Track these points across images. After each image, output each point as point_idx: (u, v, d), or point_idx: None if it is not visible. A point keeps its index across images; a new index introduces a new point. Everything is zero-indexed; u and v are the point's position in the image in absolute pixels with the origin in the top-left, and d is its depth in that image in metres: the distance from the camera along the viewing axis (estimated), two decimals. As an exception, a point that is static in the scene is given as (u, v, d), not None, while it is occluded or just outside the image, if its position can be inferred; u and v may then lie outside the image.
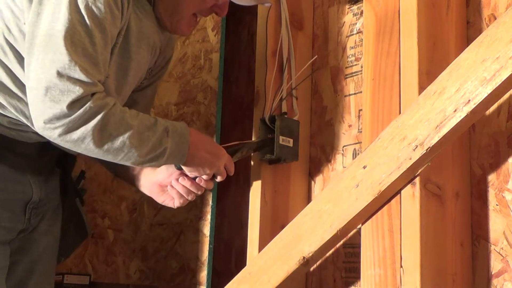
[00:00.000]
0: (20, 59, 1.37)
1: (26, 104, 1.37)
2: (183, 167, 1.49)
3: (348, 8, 1.78)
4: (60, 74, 1.26)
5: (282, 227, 1.55)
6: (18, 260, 1.49)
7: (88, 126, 1.29)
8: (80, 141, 1.30)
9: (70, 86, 1.26)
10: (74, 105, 1.27)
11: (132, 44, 1.46)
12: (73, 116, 1.27)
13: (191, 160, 1.45)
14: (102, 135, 1.30)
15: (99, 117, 1.29)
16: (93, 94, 1.30)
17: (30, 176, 1.47)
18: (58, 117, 1.27)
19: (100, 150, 1.32)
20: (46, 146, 1.47)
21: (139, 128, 1.35)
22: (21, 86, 1.37)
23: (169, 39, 1.67)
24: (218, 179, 1.54)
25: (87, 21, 1.30)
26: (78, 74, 1.27)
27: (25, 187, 1.46)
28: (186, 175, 1.52)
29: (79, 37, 1.29)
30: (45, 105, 1.26)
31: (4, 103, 1.38)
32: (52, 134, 1.29)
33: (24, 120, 1.39)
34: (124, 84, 1.50)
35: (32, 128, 1.40)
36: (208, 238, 1.98)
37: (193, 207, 2.12)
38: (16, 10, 1.36)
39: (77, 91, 1.27)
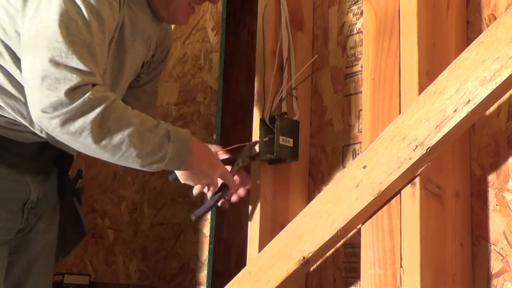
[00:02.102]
0: (16, 59, 1.36)
1: (24, 104, 1.37)
2: (178, 172, 1.48)
3: (348, 8, 1.78)
4: (56, 62, 1.24)
5: (282, 227, 1.54)
6: (16, 259, 1.49)
7: (87, 118, 1.25)
8: (78, 134, 1.26)
9: (67, 74, 1.24)
10: (72, 93, 1.24)
11: (126, 37, 1.45)
12: (72, 106, 1.24)
13: (189, 169, 1.44)
14: (101, 130, 1.27)
15: (99, 110, 1.26)
16: (93, 86, 1.27)
17: (28, 176, 1.47)
18: (55, 106, 1.23)
19: (98, 145, 1.28)
20: (44, 146, 1.46)
21: (140, 128, 1.32)
22: (18, 86, 1.37)
23: (166, 31, 1.68)
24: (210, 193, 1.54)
25: (84, 12, 1.28)
26: (75, 63, 1.25)
27: (23, 187, 1.46)
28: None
29: (75, 26, 1.27)
30: (42, 94, 1.23)
31: (1, 103, 1.37)
32: (49, 124, 1.26)
33: (22, 120, 1.39)
34: (120, 79, 1.49)
35: (30, 128, 1.40)
36: (208, 238, 1.99)
37: (193, 207, 2.12)
38: (11, 10, 1.35)
39: (74, 79, 1.24)
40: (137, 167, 1.37)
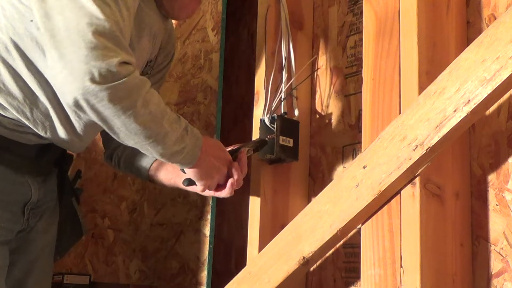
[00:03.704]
0: (24, 58, 1.35)
1: (27, 105, 1.36)
2: (191, 173, 1.46)
3: (348, 8, 1.78)
4: (102, 35, 1.19)
5: (282, 227, 1.55)
6: (16, 260, 1.49)
7: (134, 97, 1.21)
8: (123, 111, 1.21)
9: (114, 47, 1.19)
10: (122, 67, 1.19)
11: (133, 34, 1.44)
12: (121, 81, 1.19)
13: (198, 165, 1.42)
14: (144, 111, 1.24)
15: (144, 91, 1.24)
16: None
17: (29, 177, 1.46)
18: (105, 75, 1.17)
19: (138, 126, 1.24)
20: (45, 148, 1.46)
21: (170, 117, 1.31)
22: (23, 86, 1.36)
23: (170, 35, 1.67)
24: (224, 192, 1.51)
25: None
26: (119, 40, 1.21)
27: (23, 188, 1.46)
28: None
29: (109, 10, 1.23)
30: (89, 65, 1.16)
31: (5, 104, 1.37)
32: (95, 97, 1.17)
33: (25, 121, 1.38)
34: None
35: (34, 129, 1.40)
36: (208, 238, 1.99)
37: (193, 207, 2.12)
38: (21, 7, 1.34)
39: (123, 54, 1.20)
40: (160, 156, 1.34)
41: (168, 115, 1.31)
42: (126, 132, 1.27)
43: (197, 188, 1.50)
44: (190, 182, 1.49)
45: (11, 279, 1.48)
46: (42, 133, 1.41)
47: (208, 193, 1.52)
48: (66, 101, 1.21)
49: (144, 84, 1.26)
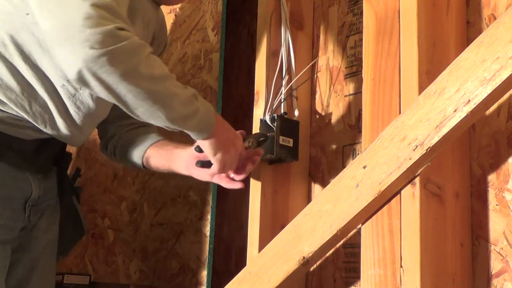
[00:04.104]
0: (20, 52, 1.35)
1: (26, 98, 1.37)
2: (207, 146, 1.43)
3: (348, 8, 1.78)
4: (99, 6, 1.19)
5: (282, 227, 1.55)
6: (19, 258, 1.49)
7: (135, 59, 1.21)
8: (126, 75, 1.20)
9: (110, 17, 1.20)
10: (119, 32, 1.19)
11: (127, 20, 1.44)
12: (120, 44, 1.19)
13: (216, 134, 1.40)
14: (147, 74, 1.24)
15: (145, 54, 1.24)
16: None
17: (29, 173, 1.46)
18: (103, 39, 1.17)
19: (143, 90, 1.23)
20: (44, 143, 1.46)
21: (176, 82, 1.30)
22: (21, 80, 1.37)
23: (161, 26, 1.68)
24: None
25: None
26: (116, 10, 1.22)
27: (24, 184, 1.46)
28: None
29: None
30: (86, 33, 1.16)
31: (4, 99, 1.37)
32: (95, 64, 1.17)
33: (25, 115, 1.39)
34: None
35: (33, 123, 1.40)
36: (208, 238, 1.99)
37: (193, 207, 2.12)
38: (16, 1, 1.34)
39: (120, 22, 1.21)
40: (171, 123, 1.32)
41: (173, 79, 1.30)
42: (133, 99, 1.25)
43: (211, 169, 1.48)
44: (203, 164, 1.48)
45: (14, 278, 1.48)
46: (41, 127, 1.41)
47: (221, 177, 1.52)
48: (71, 77, 1.21)
49: (145, 47, 1.25)
